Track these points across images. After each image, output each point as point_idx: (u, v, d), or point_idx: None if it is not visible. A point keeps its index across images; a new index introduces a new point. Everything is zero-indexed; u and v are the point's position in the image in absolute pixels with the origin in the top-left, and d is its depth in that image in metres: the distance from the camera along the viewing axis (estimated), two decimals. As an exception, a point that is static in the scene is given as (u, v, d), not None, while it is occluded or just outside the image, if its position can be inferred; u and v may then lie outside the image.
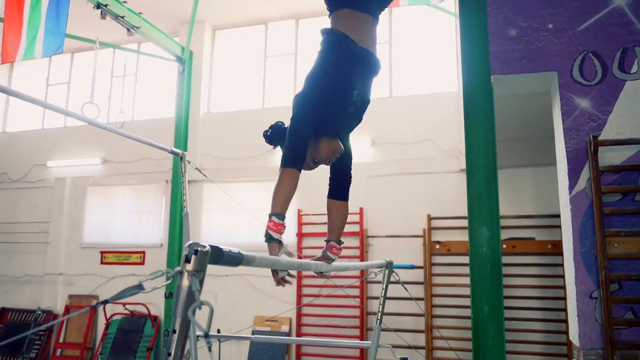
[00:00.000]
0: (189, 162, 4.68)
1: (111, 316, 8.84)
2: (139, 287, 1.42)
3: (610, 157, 3.42)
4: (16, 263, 9.90)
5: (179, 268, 1.37)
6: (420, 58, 8.41)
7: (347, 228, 7.65)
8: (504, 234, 6.64)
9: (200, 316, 1.14)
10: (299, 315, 7.92)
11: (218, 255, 1.45)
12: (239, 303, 8.26)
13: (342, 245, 2.68)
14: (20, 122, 10.74)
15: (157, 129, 9.12)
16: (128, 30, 7.36)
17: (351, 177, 2.85)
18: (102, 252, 9.28)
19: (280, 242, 2.28)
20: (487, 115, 3.63)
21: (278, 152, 8.12)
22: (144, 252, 9.02)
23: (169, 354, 1.34)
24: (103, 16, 6.88)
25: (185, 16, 8.67)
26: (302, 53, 9.00)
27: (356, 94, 2.50)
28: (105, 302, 1.48)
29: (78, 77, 10.42)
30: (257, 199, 8.42)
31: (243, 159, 8.64)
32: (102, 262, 9.27)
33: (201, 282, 1.35)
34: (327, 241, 2.70)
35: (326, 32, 2.52)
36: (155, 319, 8.59)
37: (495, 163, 3.48)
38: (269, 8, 8.92)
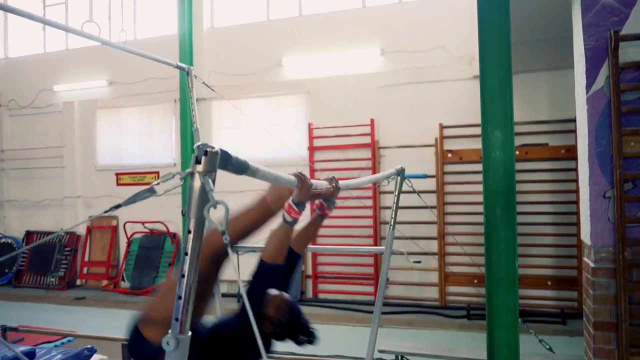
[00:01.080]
0: (196, 77, 4.59)
1: (132, 235, 9.12)
2: (151, 191, 1.42)
3: (631, 53, 3.27)
4: (35, 188, 10.11)
5: (189, 170, 1.37)
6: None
7: (358, 140, 7.72)
8: (517, 141, 6.56)
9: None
10: (314, 227, 8.08)
11: (226, 159, 1.44)
12: (254, 218, 8.43)
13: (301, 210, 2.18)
14: (21, 47, 10.53)
15: (161, 47, 8.83)
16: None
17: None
18: (117, 174, 9.41)
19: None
20: (501, 15, 3.47)
21: (287, 66, 8.00)
22: (157, 172, 9.13)
23: (186, 254, 1.35)
24: None
25: None
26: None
27: None
28: (118, 206, 1.50)
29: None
30: (267, 114, 8.37)
31: (251, 74, 8.48)
32: (117, 184, 9.43)
33: (213, 182, 1.34)
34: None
35: None
36: (174, 235, 8.85)
37: (510, 66, 3.37)
38: None
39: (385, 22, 7.93)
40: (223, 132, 8.70)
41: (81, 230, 9.71)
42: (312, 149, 8.06)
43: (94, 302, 8.40)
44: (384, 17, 7.94)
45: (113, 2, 9.60)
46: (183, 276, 1.37)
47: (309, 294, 8.17)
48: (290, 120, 8.34)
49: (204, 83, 4.71)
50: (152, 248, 8.93)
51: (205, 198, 1.33)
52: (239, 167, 1.51)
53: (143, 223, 8.96)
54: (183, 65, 4.65)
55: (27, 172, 10.16)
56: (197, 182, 1.36)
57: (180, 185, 1.40)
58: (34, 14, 3.63)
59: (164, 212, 8.70)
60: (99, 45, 9.41)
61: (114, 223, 9.45)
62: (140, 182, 9.24)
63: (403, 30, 7.81)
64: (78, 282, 9.56)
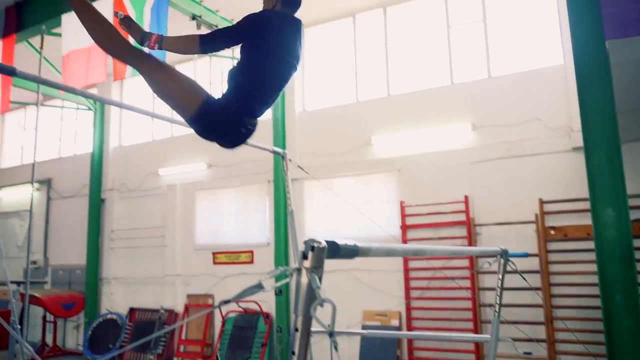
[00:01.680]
0: (290, 160, 4.74)
1: (226, 314, 9.25)
2: (259, 287, 1.42)
3: None
4: (139, 266, 10.68)
5: (296, 265, 1.35)
6: (518, 34, 7.91)
7: (452, 217, 7.50)
8: (633, 215, 6.06)
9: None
10: (409, 308, 7.78)
11: (334, 250, 1.41)
12: (346, 298, 8.27)
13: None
14: (132, 136, 11.55)
15: (256, 131, 9.38)
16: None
17: None
18: (213, 253, 9.74)
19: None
20: (603, 85, 3.31)
21: (376, 145, 8.05)
22: (252, 251, 9.34)
23: (293, 353, 1.31)
24: (198, 26, 7.21)
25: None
26: (392, 41, 8.83)
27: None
28: (227, 301, 1.50)
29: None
30: (358, 193, 8.40)
31: (341, 153, 8.65)
32: (214, 263, 9.73)
33: (320, 279, 1.32)
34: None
35: None
36: (267, 315, 8.87)
37: (617, 136, 3.17)
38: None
39: (475, 97, 7.88)
40: (315, 211, 8.82)
41: (179, 307, 10.01)
42: (404, 228, 7.91)
43: (189, 382, 8.46)
44: (474, 93, 7.91)
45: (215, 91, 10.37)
46: (289, 377, 1.32)
47: (406, 380, 7.73)
48: (381, 199, 8.31)
49: (298, 166, 4.84)
50: (246, 328, 8.97)
51: (312, 295, 1.30)
52: (349, 253, 1.48)
53: (237, 302, 9.07)
54: (278, 149, 4.83)
55: (133, 250, 10.80)
56: (304, 279, 1.33)
57: (287, 281, 1.38)
58: (143, 108, 3.97)
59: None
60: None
61: (210, 302, 9.67)
62: (235, 261, 9.48)
63: (494, 105, 7.70)
64: (175, 359, 9.74)
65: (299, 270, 1.29)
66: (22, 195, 12.20)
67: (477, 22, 8.14)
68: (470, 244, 7.44)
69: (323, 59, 9.46)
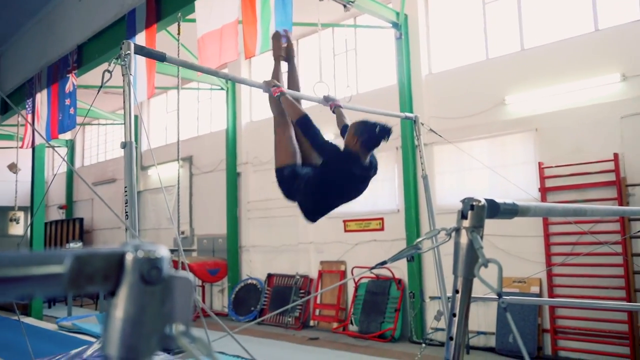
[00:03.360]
0: (422, 125, 4.61)
1: (359, 279, 9.44)
2: (416, 248, 1.39)
3: None
4: (274, 235, 11.24)
5: (455, 225, 1.30)
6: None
7: (599, 178, 6.86)
8: None
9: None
10: (550, 275, 7.33)
11: (494, 208, 1.33)
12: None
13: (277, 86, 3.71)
14: (262, 111, 12.03)
15: (382, 97, 9.30)
16: (344, 6, 7.59)
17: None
18: (344, 221, 9.92)
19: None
20: None
21: (511, 104, 7.59)
22: (382, 219, 9.37)
23: (454, 315, 1.27)
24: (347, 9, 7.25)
25: (396, -20, 8.58)
26: (525, -9, 8.15)
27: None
28: (383, 263, 1.49)
29: (304, 62, 11.19)
30: (491, 156, 8.01)
31: (472, 115, 8.26)
32: (345, 230, 9.93)
33: (481, 238, 1.25)
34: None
35: None
36: (399, 281, 8.89)
37: None
38: (483, -50, 8.27)
39: (624, 44, 7.04)
40: (445, 176, 8.58)
41: (313, 273, 10.41)
42: (543, 190, 7.40)
43: (325, 344, 8.82)
44: (622, 39, 7.06)
45: (337, 61, 10.42)
46: (451, 339, 1.28)
47: (547, 350, 7.34)
48: (517, 161, 7.84)
49: (430, 130, 4.69)
50: (379, 293, 9.09)
51: (474, 255, 1.24)
52: (509, 212, 1.39)
53: (369, 268, 9.20)
54: (410, 115, 4.73)
55: (268, 220, 11.37)
56: (463, 239, 1.27)
57: (445, 242, 1.33)
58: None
59: (389, 256, 8.83)
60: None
61: (342, 268, 9.92)
62: (365, 228, 9.59)
63: (649, 50, 6.83)
64: (311, 322, 10.20)
65: (457, 230, 1.23)
66: (168, 172, 13.35)
67: (626, -43, 7.21)
68: (621, 205, 6.77)
69: (449, 17, 9.02)
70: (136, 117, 15.57)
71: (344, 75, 9.75)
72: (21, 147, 11.40)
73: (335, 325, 9.59)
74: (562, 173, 7.26)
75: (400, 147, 8.84)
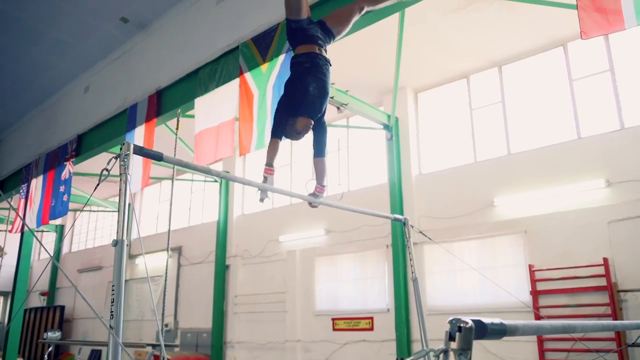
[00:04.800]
0: (412, 227, 4.66)
1: (347, 382, 9.03)
2: (404, 368, 1.37)
3: None
4: (261, 331, 10.89)
5: (443, 347, 1.29)
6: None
7: (590, 282, 6.84)
8: None
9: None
10: (546, 384, 7.08)
11: (482, 330, 1.33)
12: (474, 370, 7.74)
13: (325, 187, 4.03)
14: (254, 205, 12.13)
15: (372, 195, 9.45)
16: (338, 108, 7.93)
17: (326, 141, 3.95)
18: (333, 319, 9.69)
19: (269, 180, 3.82)
20: None
21: (500, 206, 7.65)
22: (372, 318, 9.16)
23: None
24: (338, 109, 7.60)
25: (388, 85, 9.03)
26: (510, 99, 8.60)
27: (313, 88, 3.69)
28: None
29: (298, 158, 11.47)
30: (481, 257, 8.02)
31: (461, 216, 8.37)
32: (334, 329, 9.65)
33: (469, 362, 1.24)
34: (316, 185, 4.02)
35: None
36: (389, 386, 8.52)
37: None
38: (469, 61, 8.81)
39: (606, 150, 7.33)
40: (436, 276, 8.52)
41: (300, 374, 9.98)
42: (535, 293, 7.34)
43: None
44: (605, 147, 7.36)
45: (329, 159, 10.70)
46: None
47: None
48: (507, 262, 7.84)
49: (420, 232, 4.74)
50: (367, 398, 8.67)
51: (462, 380, 1.23)
52: (497, 332, 1.39)
53: (358, 371, 8.86)
54: (400, 216, 4.79)
55: (255, 315, 11.08)
56: (451, 361, 1.26)
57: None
58: (264, 184, 4.16)
59: (379, 357, 8.56)
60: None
61: (329, 369, 9.53)
62: (355, 327, 9.34)
63: (630, 157, 7.09)
64: None
65: (445, 352, 1.23)
66: (156, 262, 13.16)
67: (603, 73, 7.69)
68: (614, 312, 6.69)
69: (438, 121, 9.42)
70: (128, 205, 15.61)
71: (336, 173, 9.97)
72: (10, 231, 11.29)
73: None
74: (553, 276, 7.25)
75: (391, 246, 8.84)
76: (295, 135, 3.78)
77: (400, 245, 8.51)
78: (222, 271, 11.73)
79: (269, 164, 3.84)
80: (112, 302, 2.54)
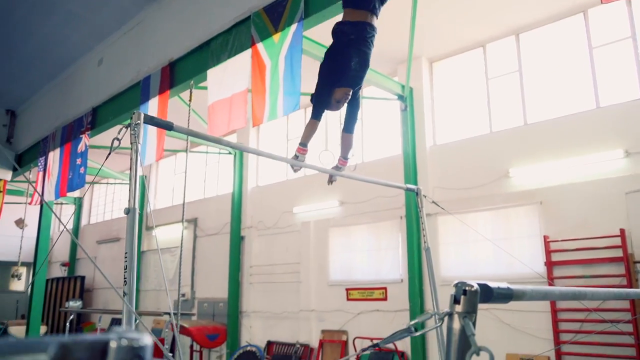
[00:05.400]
0: (425, 197, 4.65)
1: (361, 351, 9.15)
2: (408, 331, 1.38)
3: None
4: (276, 301, 11.06)
5: (448, 310, 1.29)
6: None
7: (606, 253, 6.80)
8: None
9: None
10: (559, 353, 7.11)
11: (487, 294, 1.33)
12: (486, 340, 7.79)
13: (348, 160, 4.17)
14: (268, 176, 12.18)
15: (386, 167, 9.42)
16: (352, 78, 7.83)
17: (357, 116, 4.05)
18: (347, 289, 9.78)
19: (300, 158, 3.87)
20: None
21: (515, 177, 7.57)
22: (385, 288, 9.23)
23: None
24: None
25: (402, 55, 8.90)
26: (527, 68, 8.42)
27: (355, 63, 3.63)
28: (376, 345, 1.48)
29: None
30: (495, 228, 7.99)
31: (476, 187, 8.32)
32: (348, 299, 9.76)
33: (474, 324, 1.24)
34: (340, 157, 4.16)
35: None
36: (402, 354, 8.64)
37: None
38: (486, 29, 8.62)
39: (625, 121, 7.18)
40: (450, 247, 8.52)
41: (314, 342, 10.15)
42: (549, 264, 7.32)
43: (325, 419, 8.45)
44: (624, 117, 7.21)
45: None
46: None
47: None
48: (522, 234, 7.80)
49: (433, 202, 4.72)
50: (381, 366, 8.81)
51: (466, 342, 1.23)
52: (503, 297, 1.39)
53: (371, 339, 8.98)
54: (412, 186, 4.77)
55: (270, 285, 11.23)
56: (456, 325, 1.26)
57: (437, 327, 1.33)
58: (275, 154, 4.15)
59: (392, 327, 8.63)
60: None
61: (344, 338, 9.68)
62: (368, 297, 9.43)
63: (650, 128, 6.95)
64: (311, 396, 9.83)
65: (450, 315, 1.23)
66: (172, 234, 13.34)
67: (624, 40, 7.48)
68: (629, 283, 6.66)
69: (453, 91, 9.29)
70: (142, 177, 15.75)
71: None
72: (30, 203, 11.50)
73: (335, 398, 9.24)
74: (568, 247, 7.21)
75: (405, 217, 8.84)
76: (335, 104, 3.76)
77: (414, 216, 8.51)
78: (237, 242, 11.87)
79: (304, 143, 3.86)
80: (124, 269, 2.58)
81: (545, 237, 7.43)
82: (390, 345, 8.75)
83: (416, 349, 8.28)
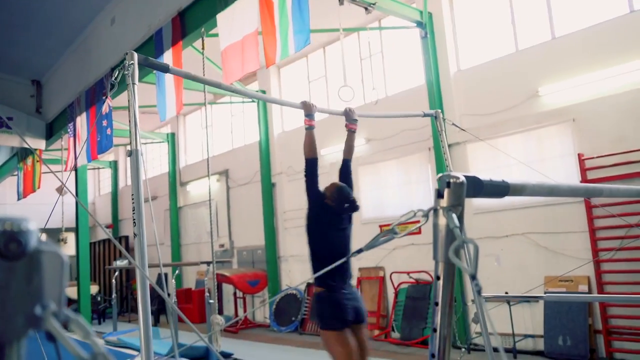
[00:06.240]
0: (445, 120, 4.47)
1: (398, 285, 9.25)
2: (392, 232, 1.30)
3: None
4: (312, 244, 11.16)
5: (432, 206, 1.20)
6: None
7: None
8: None
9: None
10: (599, 272, 6.96)
11: (477, 186, 1.23)
12: (525, 264, 7.71)
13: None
14: (293, 122, 12.07)
15: (411, 98, 9.16)
16: (366, 9, 7.51)
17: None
18: (380, 226, 9.76)
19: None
20: None
21: (545, 95, 7.25)
22: (418, 221, 9.14)
23: (436, 304, 1.17)
24: (341, 2, 7.16)
25: (419, -21, 8.46)
26: (554, -22, 7.87)
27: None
28: (359, 251, 1.41)
29: (332, 68, 11.17)
30: (527, 150, 7.72)
31: (504, 110, 8.00)
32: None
33: (460, 218, 1.15)
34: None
35: None
36: (439, 285, 8.65)
37: None
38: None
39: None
40: (481, 174, 8.28)
41: (353, 281, 10.26)
42: (585, 182, 7.06)
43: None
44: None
45: (364, 65, 10.35)
46: (435, 330, 1.18)
47: (601, 352, 6.95)
48: (555, 154, 7.52)
49: (453, 124, 4.55)
50: (419, 298, 8.87)
51: (452, 237, 1.14)
52: (497, 190, 1.29)
53: (408, 273, 9.02)
54: (430, 111, 4.59)
55: (303, 229, 11.31)
56: (442, 220, 1.17)
57: (423, 224, 1.24)
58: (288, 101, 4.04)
59: (428, 260, 8.62)
60: (356, 108, 10.19)
61: (380, 274, 9.76)
62: (401, 232, 9.39)
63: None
64: (353, 331, 10.04)
65: (435, 211, 1.13)
66: (206, 187, 13.52)
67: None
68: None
69: (475, 12, 8.81)
70: (172, 134, 15.88)
71: (371, 79, 9.65)
72: (65, 170, 11.80)
73: (376, 332, 9.41)
74: (604, 164, 6.91)
75: (433, 148, 8.65)
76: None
77: (441, 146, 8.30)
78: (269, 189, 11.94)
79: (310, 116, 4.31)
80: (133, 210, 2.58)
81: (579, 155, 7.14)
82: (427, 277, 8.77)
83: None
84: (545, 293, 7.12)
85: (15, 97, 12.88)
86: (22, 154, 14.32)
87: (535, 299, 6.34)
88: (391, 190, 9.78)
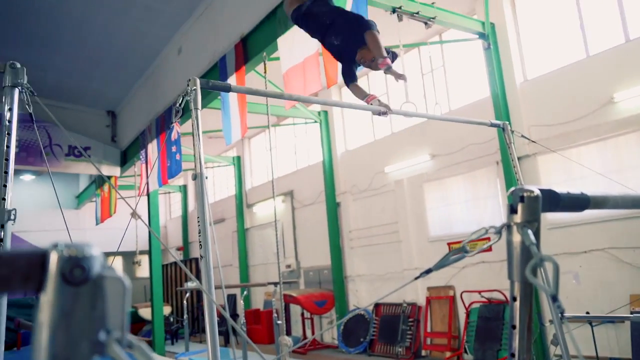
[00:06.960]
0: (513, 132, 4.31)
1: (470, 305, 8.92)
2: (463, 250, 1.24)
3: None
4: (378, 263, 11.04)
5: (505, 222, 1.13)
6: None
7: None
8: None
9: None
10: (692, 290, 6.42)
11: (553, 200, 1.15)
12: (607, 282, 7.23)
13: (387, 57, 3.81)
14: (356, 140, 12.07)
15: (475, 111, 8.92)
16: (425, 23, 7.43)
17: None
18: (448, 244, 9.51)
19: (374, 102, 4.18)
20: None
21: (621, 102, 6.85)
22: (488, 238, 8.79)
23: (513, 327, 1.09)
24: (400, 18, 7.13)
25: (479, -10, 8.29)
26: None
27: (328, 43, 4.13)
28: (428, 271, 1.35)
29: (393, 85, 11.09)
30: (605, 160, 7.30)
31: (577, 119, 7.63)
32: (450, 253, 9.48)
33: (536, 234, 1.07)
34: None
35: None
36: (514, 304, 8.26)
37: None
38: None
39: None
40: (555, 188, 7.91)
41: (421, 300, 10.03)
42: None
43: (440, 374, 8.36)
44: None
45: (426, 80, 10.22)
46: (513, 355, 1.10)
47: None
48: (634, 163, 7.05)
49: (522, 136, 4.37)
50: (492, 318, 8.51)
51: (528, 255, 1.06)
52: (575, 204, 1.20)
53: (480, 292, 8.69)
54: (497, 122, 4.44)
55: (370, 248, 11.22)
56: (516, 237, 1.10)
57: (496, 242, 1.17)
58: (357, 105, 4.03)
59: (501, 279, 8.29)
60: (420, 124, 10.05)
61: (451, 293, 9.46)
62: (472, 250, 9.09)
63: None
64: (423, 352, 9.77)
65: (508, 227, 1.07)
66: (271, 209, 13.72)
67: None
68: None
69: (540, 19, 8.52)
70: (238, 157, 16.27)
71: (433, 93, 9.52)
72: (138, 195, 12.34)
73: (448, 354, 9.10)
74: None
75: (501, 162, 8.36)
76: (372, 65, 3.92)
77: (510, 159, 8.00)
78: (333, 209, 11.95)
79: (365, 95, 4.28)
80: (199, 233, 2.63)
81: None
82: (500, 296, 8.41)
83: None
84: (631, 313, 6.63)
85: (92, 128, 13.69)
86: (100, 181, 15.16)
87: (621, 319, 5.92)
88: (458, 207, 9.52)
